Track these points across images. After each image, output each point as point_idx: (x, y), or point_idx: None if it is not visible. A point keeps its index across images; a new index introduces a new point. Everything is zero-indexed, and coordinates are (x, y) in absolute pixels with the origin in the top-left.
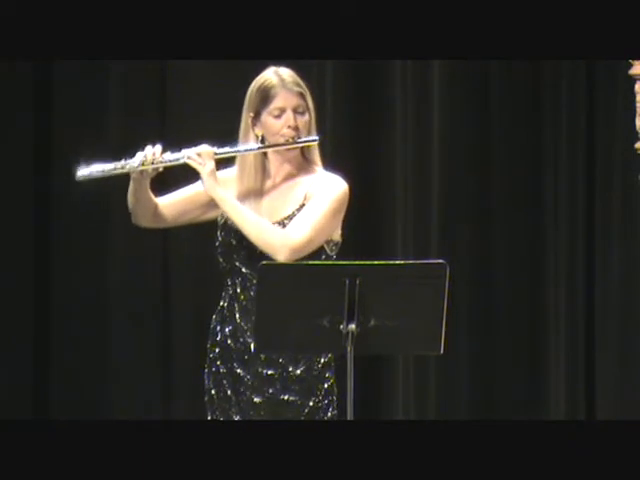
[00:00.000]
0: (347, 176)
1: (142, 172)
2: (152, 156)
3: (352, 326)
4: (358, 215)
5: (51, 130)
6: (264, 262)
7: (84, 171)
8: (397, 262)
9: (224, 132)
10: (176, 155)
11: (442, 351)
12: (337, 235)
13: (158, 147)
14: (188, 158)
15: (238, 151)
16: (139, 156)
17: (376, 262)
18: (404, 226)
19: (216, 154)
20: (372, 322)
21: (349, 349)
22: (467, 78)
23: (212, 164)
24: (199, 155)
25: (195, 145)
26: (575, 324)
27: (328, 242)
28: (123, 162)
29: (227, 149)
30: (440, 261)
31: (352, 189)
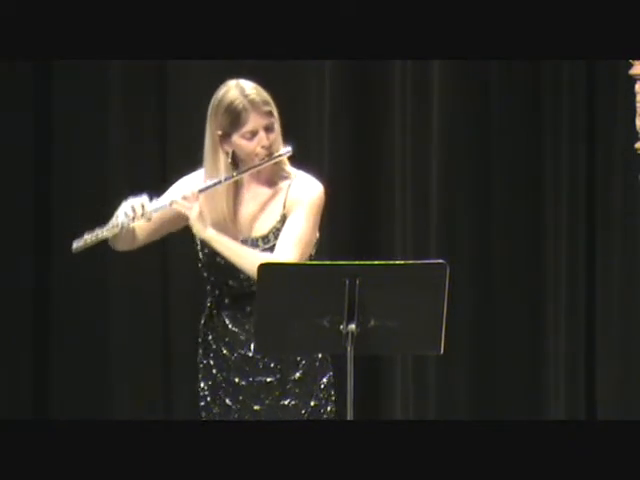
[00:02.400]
0: (347, 176)
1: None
2: (140, 209)
3: (352, 326)
4: (357, 215)
5: (51, 130)
6: (264, 262)
7: (79, 242)
8: (397, 262)
9: None
10: (162, 202)
11: (442, 351)
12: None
13: (144, 198)
14: (174, 204)
15: (220, 182)
16: (127, 208)
17: (376, 262)
18: (404, 226)
19: (200, 191)
20: (372, 322)
21: (349, 349)
22: (467, 78)
23: (198, 206)
24: (184, 198)
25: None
26: (575, 324)
27: None
28: (114, 221)
29: (209, 183)
30: (440, 261)
31: (352, 189)
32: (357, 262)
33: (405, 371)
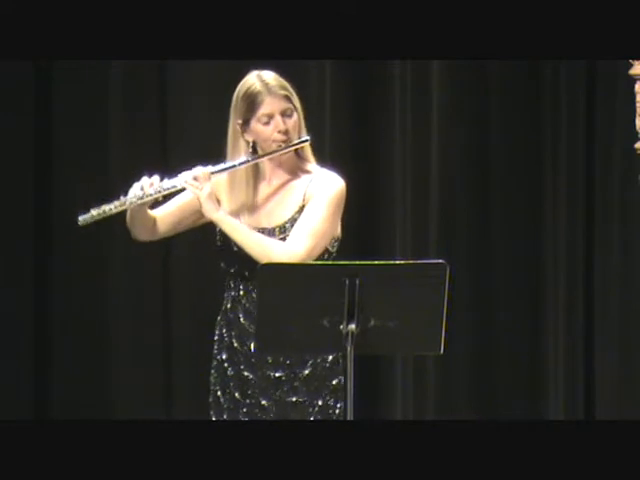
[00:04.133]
0: (347, 176)
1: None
2: (150, 187)
3: (352, 326)
4: (358, 215)
5: (51, 130)
6: (264, 262)
7: (85, 216)
8: (397, 262)
9: (223, 131)
10: (173, 182)
11: (442, 351)
12: (337, 231)
13: (155, 177)
14: (185, 183)
15: (234, 166)
16: (136, 188)
17: (376, 262)
18: (404, 226)
19: (212, 173)
20: (372, 322)
21: (349, 349)
22: (467, 78)
23: (209, 187)
24: (195, 179)
25: (191, 167)
26: (575, 324)
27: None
28: (122, 199)
29: (222, 166)
30: (440, 261)
31: (352, 189)
32: (357, 262)
33: (405, 371)
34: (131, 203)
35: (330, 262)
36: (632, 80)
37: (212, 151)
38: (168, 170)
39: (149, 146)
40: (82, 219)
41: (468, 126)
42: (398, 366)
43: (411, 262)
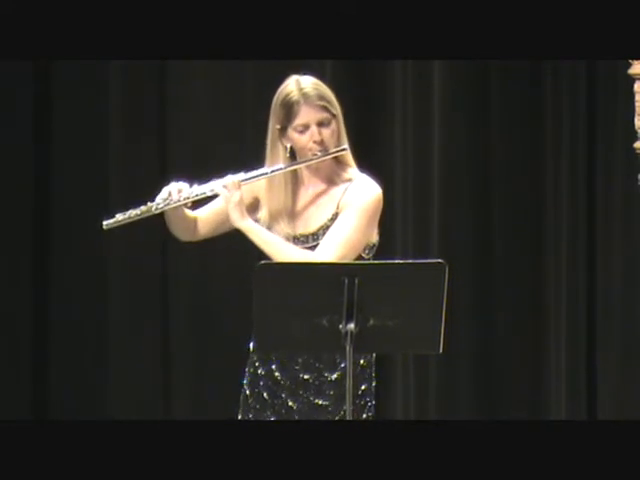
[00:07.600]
0: None
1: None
2: (177, 194)
3: (351, 325)
4: None
5: (51, 130)
6: (262, 262)
7: (109, 220)
8: (396, 262)
9: (223, 131)
10: (202, 189)
11: (442, 351)
12: (373, 238)
13: (183, 183)
14: (214, 191)
15: (265, 174)
16: (164, 193)
17: (375, 262)
18: (404, 226)
19: (242, 182)
20: (371, 322)
21: (348, 349)
22: (467, 78)
23: (238, 195)
24: (224, 187)
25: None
26: (576, 324)
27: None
28: (149, 204)
29: (254, 173)
30: (439, 261)
31: None
32: (356, 262)
33: (405, 371)
34: (157, 208)
35: (329, 262)
36: (632, 80)
37: (212, 151)
38: (168, 170)
39: (149, 146)
40: (106, 224)
41: (468, 126)
42: (398, 366)
43: (410, 262)
